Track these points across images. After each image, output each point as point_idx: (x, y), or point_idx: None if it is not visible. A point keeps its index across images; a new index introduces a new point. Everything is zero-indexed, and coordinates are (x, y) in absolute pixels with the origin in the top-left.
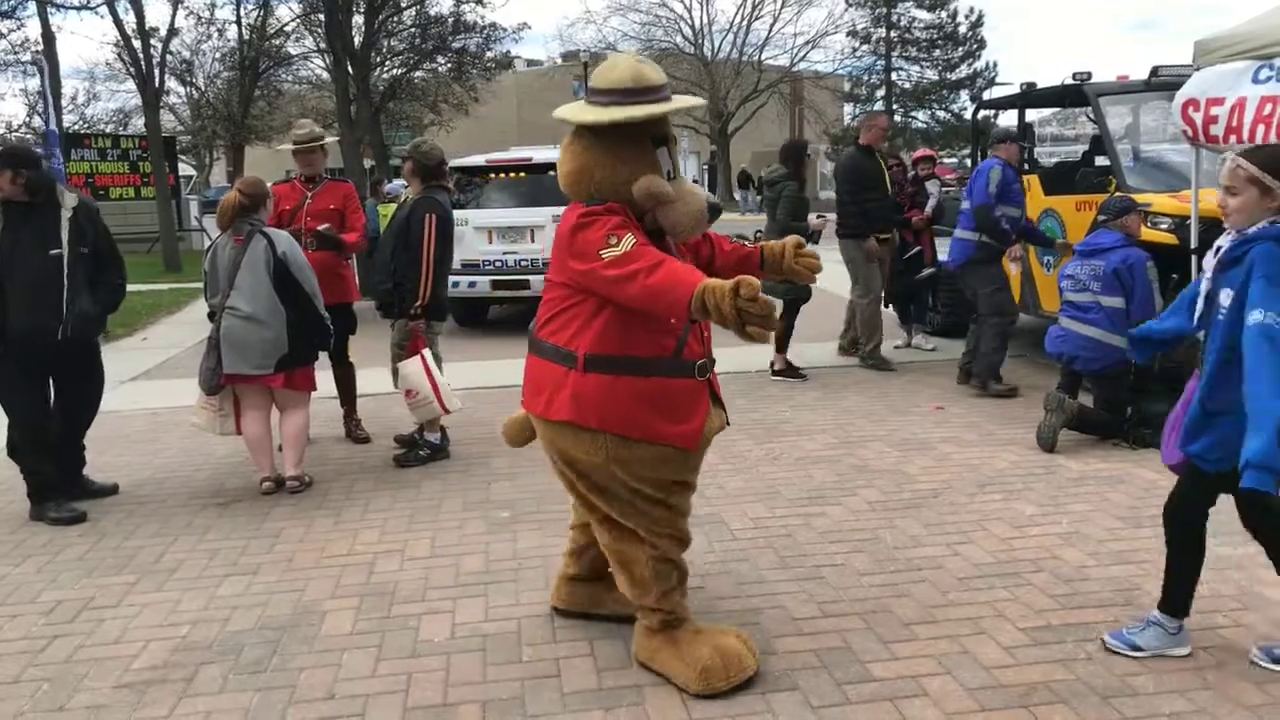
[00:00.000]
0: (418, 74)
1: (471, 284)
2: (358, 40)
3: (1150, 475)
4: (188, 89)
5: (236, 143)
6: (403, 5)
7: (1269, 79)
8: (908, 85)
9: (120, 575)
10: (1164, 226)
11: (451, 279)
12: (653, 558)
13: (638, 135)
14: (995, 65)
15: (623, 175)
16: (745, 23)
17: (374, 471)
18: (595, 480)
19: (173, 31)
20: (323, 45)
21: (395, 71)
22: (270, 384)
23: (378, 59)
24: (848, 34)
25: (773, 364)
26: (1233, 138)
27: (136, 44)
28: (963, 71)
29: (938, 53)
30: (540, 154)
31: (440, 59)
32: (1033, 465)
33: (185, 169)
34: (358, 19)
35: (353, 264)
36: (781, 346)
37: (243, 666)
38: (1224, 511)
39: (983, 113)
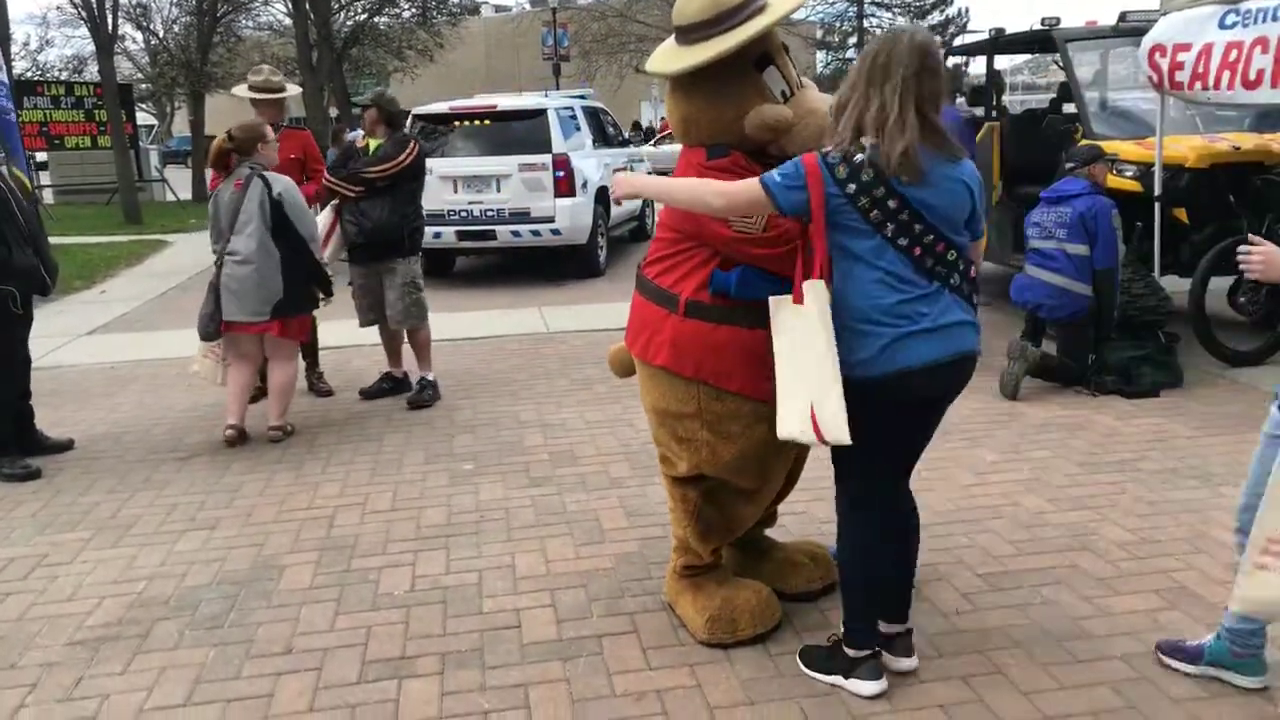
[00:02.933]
0: (381, 19)
1: (436, 235)
2: None
3: (1111, 422)
4: (145, 35)
5: (196, 91)
6: None
7: (1235, 24)
8: (879, 32)
9: (75, 531)
10: (1129, 174)
11: None
12: (700, 509)
13: (737, 64)
14: (966, 11)
15: (729, 115)
16: None
17: (336, 425)
18: (680, 433)
19: None
20: None
21: (358, 17)
22: (267, 331)
23: (338, 4)
24: None
25: None
26: (1198, 84)
27: None
28: (934, 18)
29: None
30: (505, 101)
31: (404, 4)
32: (995, 413)
33: (145, 118)
34: None
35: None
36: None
37: (199, 622)
38: (1177, 457)
39: (953, 59)
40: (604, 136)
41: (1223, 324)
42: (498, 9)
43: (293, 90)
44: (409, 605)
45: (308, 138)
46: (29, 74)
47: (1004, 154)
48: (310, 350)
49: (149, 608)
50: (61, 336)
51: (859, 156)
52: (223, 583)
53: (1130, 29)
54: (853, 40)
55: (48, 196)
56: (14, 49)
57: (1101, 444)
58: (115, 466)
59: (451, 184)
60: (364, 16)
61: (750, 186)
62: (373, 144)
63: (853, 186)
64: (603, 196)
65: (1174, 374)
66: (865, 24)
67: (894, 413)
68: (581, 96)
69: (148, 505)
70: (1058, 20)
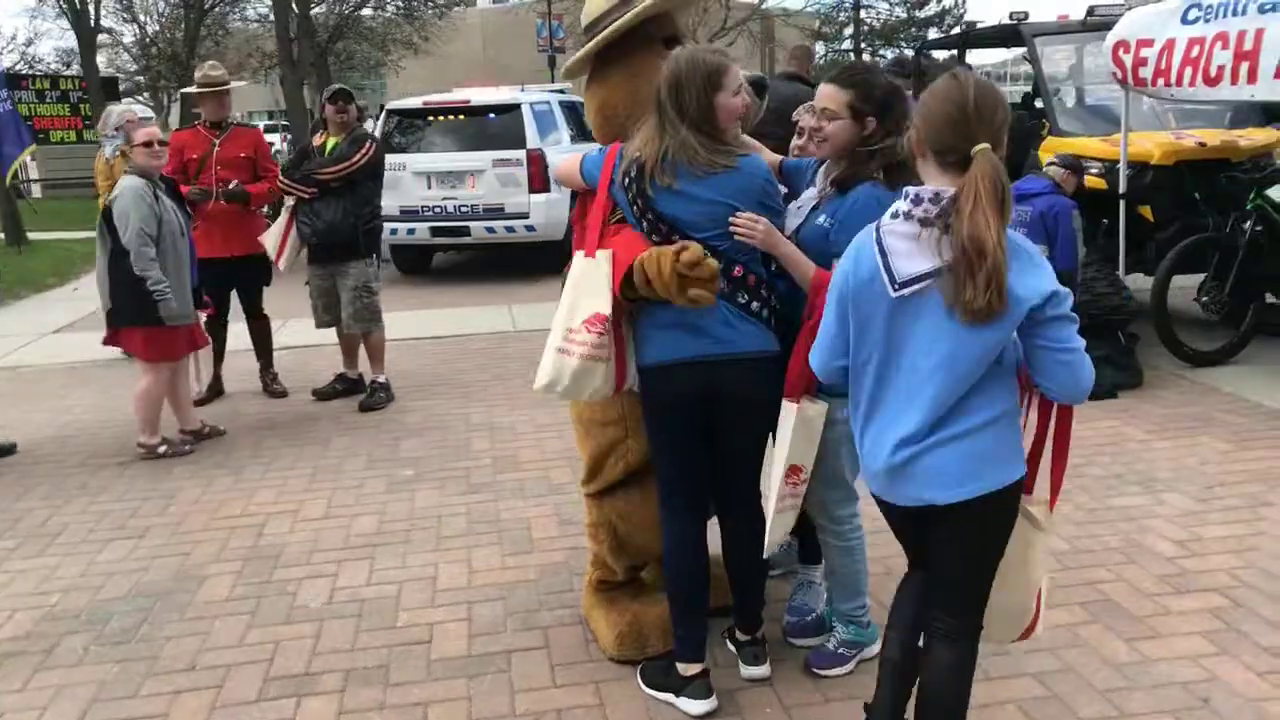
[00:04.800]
0: (365, 12)
1: (410, 230)
2: None
3: None
4: (134, 28)
5: (182, 85)
6: None
7: (1197, 19)
8: (876, 23)
9: (0, 540)
10: (1094, 171)
11: (389, 226)
12: (615, 525)
13: (645, 46)
14: (962, 2)
15: (645, 90)
16: None
17: (284, 427)
18: (604, 440)
19: None
20: None
21: (343, 9)
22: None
23: None
24: None
25: None
26: (1161, 81)
27: None
28: (931, 9)
29: None
30: (479, 96)
31: None
32: None
33: (142, 110)
34: None
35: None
36: None
37: (107, 637)
38: (1119, 463)
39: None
40: (583, 132)
41: (1188, 323)
42: (495, 0)
43: (236, 84)
44: (323, 618)
45: (257, 136)
46: (18, 68)
47: None
48: (264, 351)
49: (60, 621)
50: (26, 335)
51: (636, 155)
52: (139, 595)
53: (1098, 23)
54: (848, 31)
55: (35, 191)
56: (2, 43)
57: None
58: (54, 471)
59: (425, 180)
60: (348, 9)
61: (574, 160)
62: (329, 143)
63: (627, 179)
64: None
65: (1134, 375)
66: (861, 15)
67: (660, 411)
68: (561, 91)
69: (79, 512)
70: (1025, 15)
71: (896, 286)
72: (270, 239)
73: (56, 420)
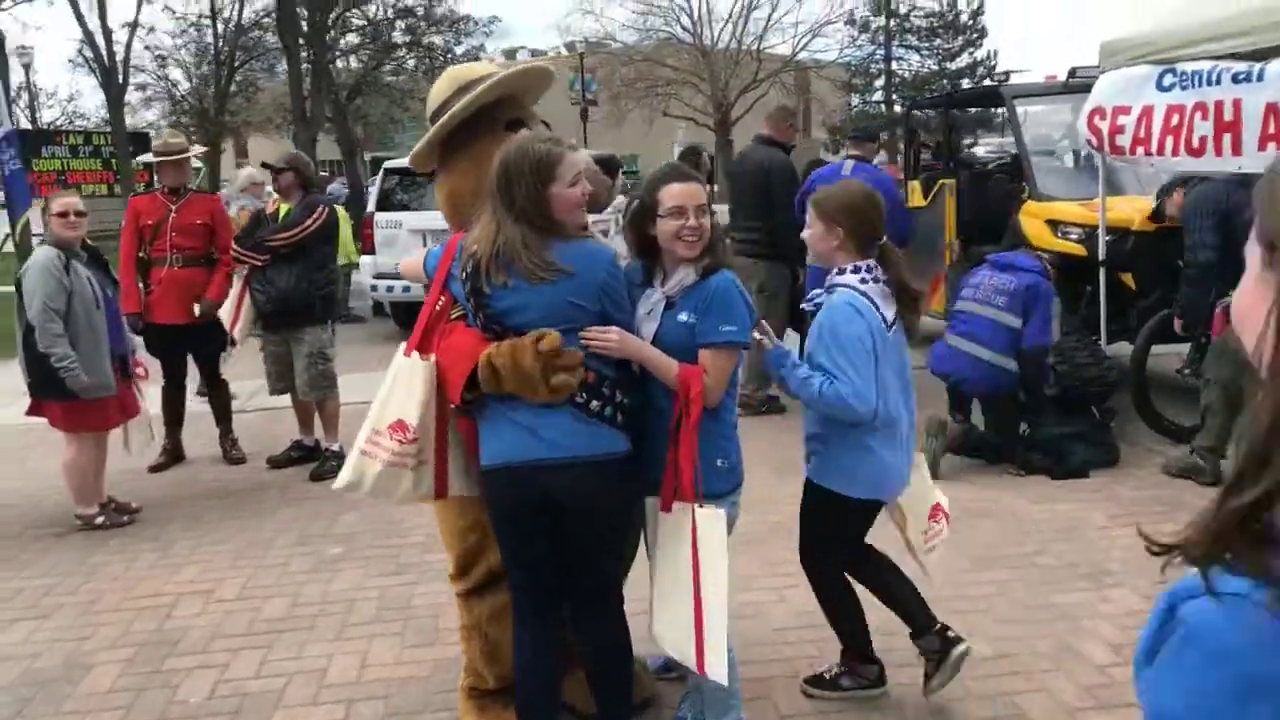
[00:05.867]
0: (385, 68)
1: (406, 289)
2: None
3: (1026, 507)
4: (166, 84)
5: (210, 140)
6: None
7: (1173, 86)
8: (907, 75)
9: None
10: (1073, 237)
11: (385, 283)
12: (485, 630)
13: (490, 131)
14: (995, 54)
15: (488, 175)
16: (745, 11)
17: (231, 497)
18: (469, 544)
19: (136, 26)
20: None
21: (361, 65)
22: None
23: (335, 55)
24: (845, 22)
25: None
26: (1141, 149)
27: (100, 41)
28: (963, 61)
29: (938, 41)
30: None
31: (404, 53)
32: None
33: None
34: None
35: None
36: None
37: None
38: (1079, 551)
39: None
40: None
41: (1173, 395)
42: (533, 53)
43: (195, 150)
44: (197, 716)
45: (215, 203)
46: (58, 122)
47: (960, 211)
48: (223, 416)
49: None
50: (5, 394)
51: (473, 249)
52: (23, 685)
53: (1080, 84)
54: (879, 83)
55: None
56: (42, 98)
57: (1005, 534)
58: None
59: (421, 237)
60: (367, 66)
61: (419, 257)
62: (283, 209)
63: (464, 274)
64: None
65: (1108, 452)
66: (893, 66)
67: (501, 515)
68: (572, 147)
69: None
70: (1007, 76)
71: (890, 326)
72: (224, 309)
73: (6, 486)
